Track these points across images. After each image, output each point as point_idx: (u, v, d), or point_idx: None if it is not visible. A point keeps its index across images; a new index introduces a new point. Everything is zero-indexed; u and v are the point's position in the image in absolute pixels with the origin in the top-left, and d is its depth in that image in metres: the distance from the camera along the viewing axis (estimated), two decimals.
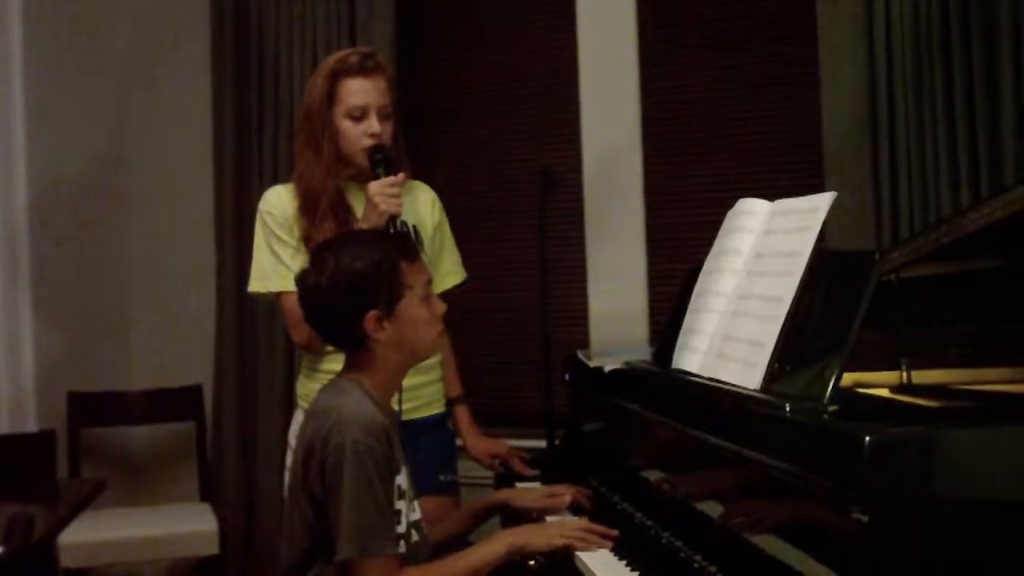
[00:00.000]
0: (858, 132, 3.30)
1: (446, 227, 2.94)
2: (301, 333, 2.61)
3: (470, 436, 2.93)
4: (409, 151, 2.83)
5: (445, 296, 2.94)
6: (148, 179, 4.45)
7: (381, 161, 2.62)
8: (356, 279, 2.06)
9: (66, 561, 3.60)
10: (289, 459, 2.78)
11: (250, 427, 4.13)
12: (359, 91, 2.65)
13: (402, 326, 2.10)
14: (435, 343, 2.23)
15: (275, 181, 3.11)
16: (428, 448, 2.72)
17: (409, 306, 2.10)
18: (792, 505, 1.68)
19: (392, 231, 2.51)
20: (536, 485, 2.70)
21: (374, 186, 2.56)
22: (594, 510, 2.43)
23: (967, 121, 3.14)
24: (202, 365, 4.24)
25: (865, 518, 1.44)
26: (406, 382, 2.30)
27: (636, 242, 3.84)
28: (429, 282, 2.20)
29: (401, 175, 2.62)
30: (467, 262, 3.02)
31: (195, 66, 4.30)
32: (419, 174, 2.91)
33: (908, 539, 1.47)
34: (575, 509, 2.48)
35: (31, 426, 3.79)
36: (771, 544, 1.75)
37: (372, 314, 2.06)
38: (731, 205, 2.34)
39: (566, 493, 2.51)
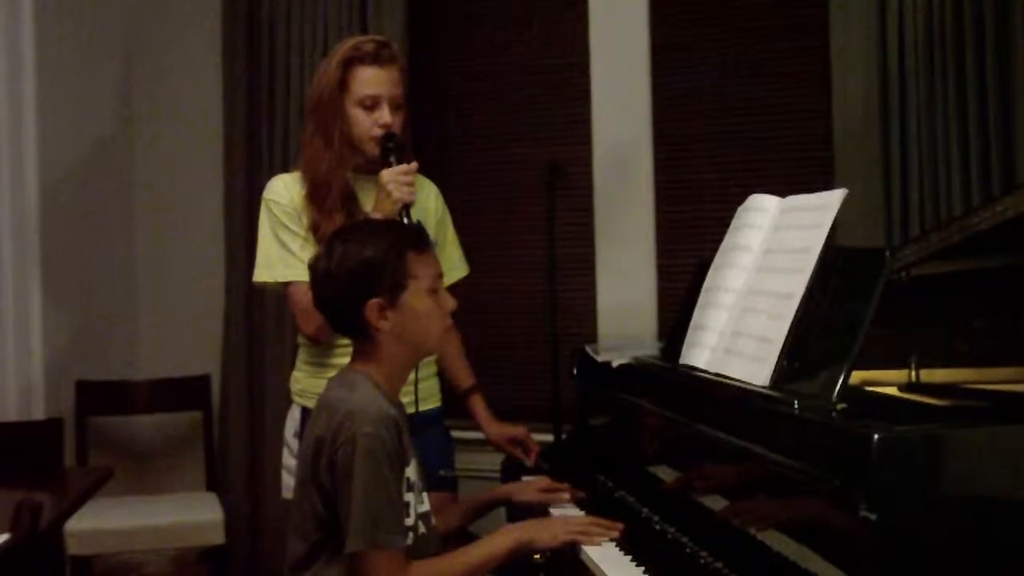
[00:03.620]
0: (869, 129, 3.29)
1: (448, 221, 2.93)
2: (310, 323, 2.58)
3: (487, 424, 2.92)
4: (416, 144, 2.81)
5: (450, 290, 2.95)
6: (158, 169, 4.46)
7: (393, 149, 2.60)
8: (361, 266, 2.06)
9: (72, 549, 3.63)
10: (286, 458, 2.76)
11: (257, 417, 4.14)
12: (373, 80, 2.63)
13: (406, 317, 2.09)
14: (441, 338, 2.21)
15: (285, 170, 3.11)
16: (426, 443, 2.71)
17: (414, 297, 2.09)
18: (799, 502, 1.68)
19: (405, 220, 2.49)
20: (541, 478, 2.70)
21: (387, 173, 2.54)
22: (596, 506, 2.43)
23: (979, 118, 3.12)
24: (210, 355, 4.25)
25: (872, 516, 1.44)
26: None
27: (645, 237, 3.83)
28: (439, 276, 2.18)
29: (415, 163, 2.59)
30: (475, 256, 3.02)
31: (206, 55, 4.30)
32: (425, 165, 2.90)
33: (915, 538, 1.46)
34: (581, 504, 2.47)
35: (39, 414, 3.80)
36: (777, 541, 1.75)
37: (374, 302, 2.06)
38: (741, 201, 2.33)
39: (566, 491, 2.51)
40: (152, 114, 4.45)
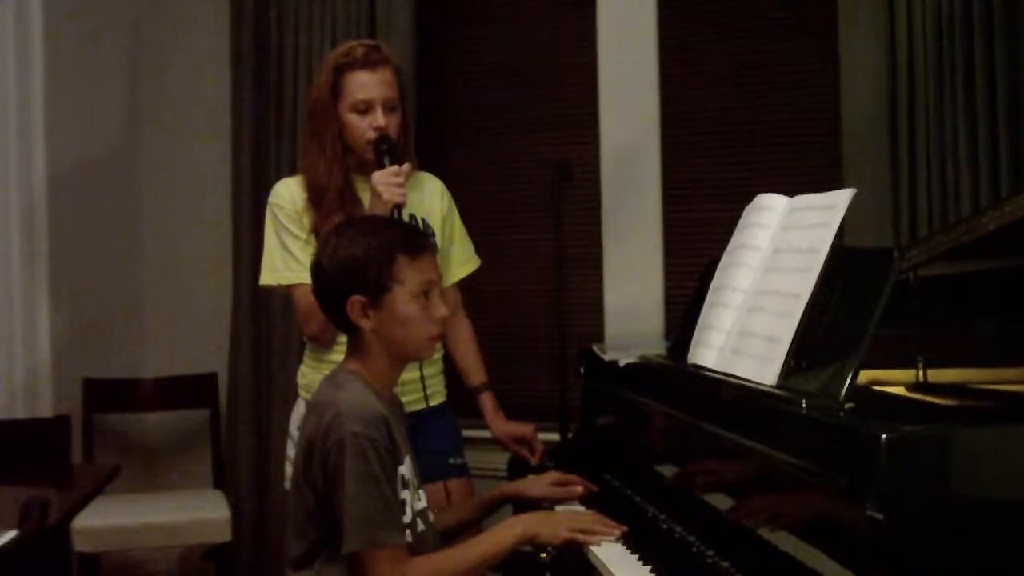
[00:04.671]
0: (877, 129, 3.29)
1: (456, 216, 2.93)
2: (312, 325, 2.63)
3: (495, 421, 2.93)
4: (422, 142, 2.82)
5: (459, 285, 2.95)
6: (166, 168, 4.46)
7: (386, 151, 2.62)
8: (347, 262, 2.06)
9: (79, 545, 3.63)
10: (289, 449, 2.78)
11: (264, 415, 4.14)
12: (364, 85, 2.65)
13: (388, 319, 2.08)
14: (425, 345, 2.16)
15: (293, 170, 3.12)
16: (435, 435, 2.73)
17: (397, 300, 2.07)
18: (806, 502, 1.68)
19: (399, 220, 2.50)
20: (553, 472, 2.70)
21: (378, 175, 2.56)
22: (602, 505, 2.43)
23: (988, 119, 3.12)
24: (217, 353, 4.25)
25: (880, 516, 1.44)
26: (409, 375, 2.28)
27: (653, 236, 3.82)
28: (432, 282, 2.13)
29: (406, 165, 2.62)
30: (482, 255, 3.02)
31: (214, 55, 4.30)
32: (432, 164, 2.91)
33: (923, 538, 1.46)
34: (587, 501, 2.47)
35: (46, 411, 3.81)
36: (784, 540, 1.75)
37: (355, 299, 2.06)
38: (749, 200, 2.33)
39: (578, 484, 2.50)
40: (160, 112, 4.46)
